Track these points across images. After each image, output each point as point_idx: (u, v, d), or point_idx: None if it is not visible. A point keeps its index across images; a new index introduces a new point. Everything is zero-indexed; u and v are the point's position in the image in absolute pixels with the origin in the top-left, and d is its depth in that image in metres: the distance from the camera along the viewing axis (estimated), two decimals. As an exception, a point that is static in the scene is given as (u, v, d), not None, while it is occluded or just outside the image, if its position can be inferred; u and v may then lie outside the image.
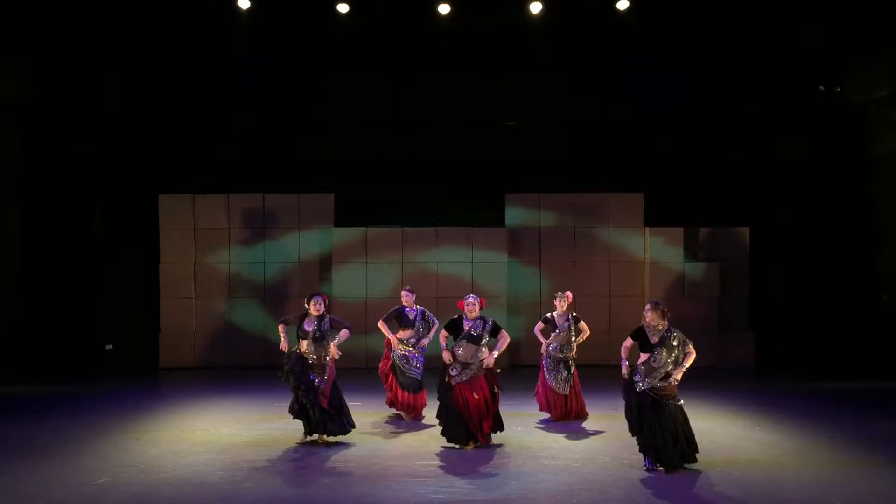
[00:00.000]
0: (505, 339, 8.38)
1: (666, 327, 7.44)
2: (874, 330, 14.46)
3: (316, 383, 8.34)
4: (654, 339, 7.41)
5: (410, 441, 8.70)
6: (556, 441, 8.69)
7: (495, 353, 8.34)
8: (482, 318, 8.41)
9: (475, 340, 8.29)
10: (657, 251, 15.18)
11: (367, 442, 8.65)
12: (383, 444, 8.58)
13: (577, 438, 8.80)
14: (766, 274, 15.44)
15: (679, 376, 7.37)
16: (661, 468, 7.33)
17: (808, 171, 15.21)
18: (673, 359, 7.36)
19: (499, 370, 8.51)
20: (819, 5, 14.41)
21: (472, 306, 8.40)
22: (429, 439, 8.67)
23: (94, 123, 15.13)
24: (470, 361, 8.27)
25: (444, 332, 8.47)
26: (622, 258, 15.24)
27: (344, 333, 8.48)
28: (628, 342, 7.63)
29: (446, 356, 8.30)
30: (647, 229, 15.26)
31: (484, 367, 8.27)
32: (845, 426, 9.47)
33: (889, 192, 14.35)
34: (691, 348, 7.43)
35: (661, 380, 7.35)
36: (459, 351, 8.32)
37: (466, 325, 8.38)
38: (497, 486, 7.00)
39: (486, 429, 8.27)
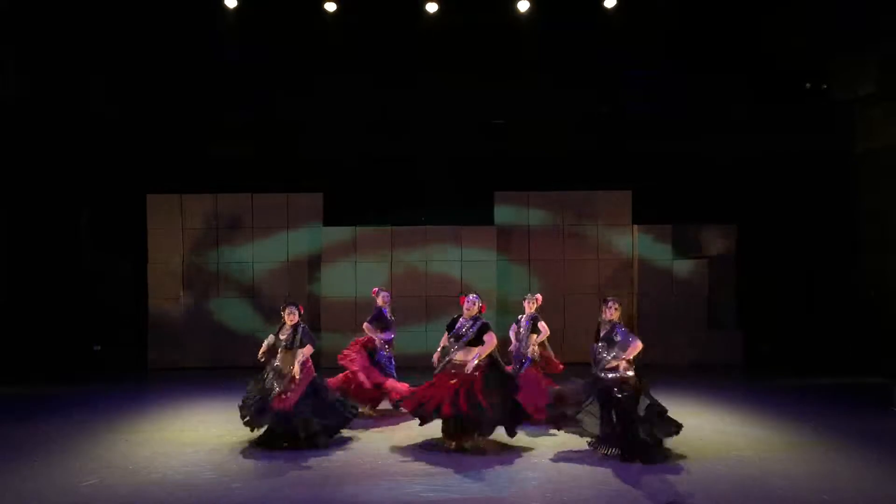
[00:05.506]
0: (488, 345, 8.15)
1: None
2: (861, 326, 14.53)
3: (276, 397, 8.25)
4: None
5: (401, 440, 8.70)
6: (545, 439, 8.70)
7: (474, 361, 8.10)
8: (475, 319, 8.33)
9: (458, 338, 8.26)
10: (645, 248, 15.21)
11: (358, 441, 8.66)
12: (374, 444, 8.58)
13: (566, 436, 8.78)
14: (755, 271, 15.48)
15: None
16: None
17: (796, 169, 15.27)
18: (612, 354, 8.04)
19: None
20: (806, 3, 14.46)
21: (470, 304, 8.37)
22: (419, 438, 8.67)
23: (81, 123, 15.05)
24: (453, 359, 8.25)
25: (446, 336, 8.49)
26: (611, 256, 15.27)
27: (307, 350, 8.38)
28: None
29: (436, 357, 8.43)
30: (636, 226, 15.29)
31: (465, 370, 8.08)
32: (833, 422, 9.54)
33: (875, 189, 14.42)
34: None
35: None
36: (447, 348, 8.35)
37: (458, 323, 8.38)
38: (487, 484, 7.01)
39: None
